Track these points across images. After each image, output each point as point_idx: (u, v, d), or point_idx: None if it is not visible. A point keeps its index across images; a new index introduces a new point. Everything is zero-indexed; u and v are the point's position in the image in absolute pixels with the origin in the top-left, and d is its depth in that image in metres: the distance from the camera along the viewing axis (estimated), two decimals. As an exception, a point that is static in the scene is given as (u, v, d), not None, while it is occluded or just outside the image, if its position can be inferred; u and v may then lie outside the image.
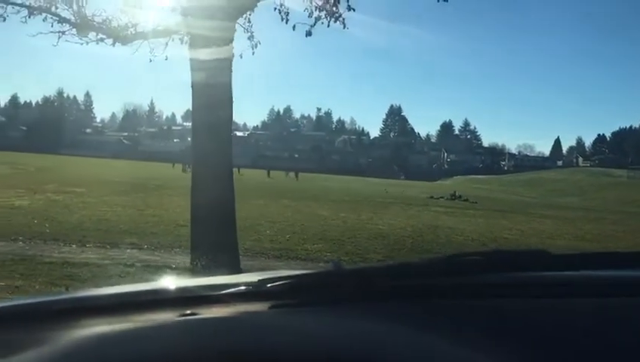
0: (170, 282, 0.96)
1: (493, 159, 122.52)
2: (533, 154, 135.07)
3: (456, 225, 18.18)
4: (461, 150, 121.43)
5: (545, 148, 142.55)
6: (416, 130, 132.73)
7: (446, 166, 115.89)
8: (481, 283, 0.86)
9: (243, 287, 0.86)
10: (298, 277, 0.87)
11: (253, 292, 0.84)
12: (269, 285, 0.84)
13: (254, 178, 40.99)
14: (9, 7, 5.94)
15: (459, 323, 0.73)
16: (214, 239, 5.25)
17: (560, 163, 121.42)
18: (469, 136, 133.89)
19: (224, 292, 0.84)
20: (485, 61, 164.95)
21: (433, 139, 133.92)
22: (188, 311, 0.76)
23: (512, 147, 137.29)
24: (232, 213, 5.42)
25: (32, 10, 5.89)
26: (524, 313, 0.78)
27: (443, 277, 0.86)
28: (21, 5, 5.86)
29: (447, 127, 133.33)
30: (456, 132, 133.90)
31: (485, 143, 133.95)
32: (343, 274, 0.92)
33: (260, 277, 0.89)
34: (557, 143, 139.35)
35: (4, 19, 6.04)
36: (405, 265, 0.91)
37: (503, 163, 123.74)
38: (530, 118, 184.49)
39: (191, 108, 5.59)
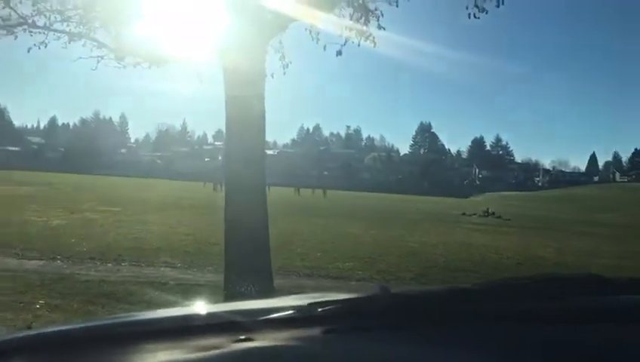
0: (220, 306, 0.97)
1: (526, 175, 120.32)
2: (568, 170, 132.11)
3: (490, 242, 17.85)
4: (493, 166, 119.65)
5: (580, 164, 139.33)
6: (446, 147, 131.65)
7: (478, 182, 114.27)
8: (534, 309, 0.84)
9: (295, 312, 0.86)
10: (348, 301, 0.87)
11: (306, 317, 0.84)
12: (320, 309, 0.84)
13: (283, 195, 41.19)
14: (50, 34, 6.17)
15: (513, 349, 0.72)
16: (247, 257, 5.27)
17: (596, 178, 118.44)
18: (500, 152, 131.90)
19: (276, 316, 0.85)
20: (517, 77, 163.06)
21: (464, 155, 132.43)
22: (243, 337, 0.77)
23: (546, 162, 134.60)
24: (265, 231, 5.45)
25: (72, 36, 6.11)
26: (578, 339, 0.76)
27: (496, 302, 0.85)
28: (62, 32, 6.09)
29: (478, 142, 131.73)
30: (488, 148, 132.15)
31: (518, 159, 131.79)
32: (393, 298, 0.91)
33: (310, 301, 0.88)
34: (593, 158, 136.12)
35: (46, 46, 6.30)
36: (455, 289, 0.89)
37: (537, 179, 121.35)
38: (565, 133, 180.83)
39: (223, 128, 5.68)
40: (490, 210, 36.33)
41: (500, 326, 0.80)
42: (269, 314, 0.86)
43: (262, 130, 5.48)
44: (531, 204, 66.40)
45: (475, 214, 34.15)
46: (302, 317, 0.85)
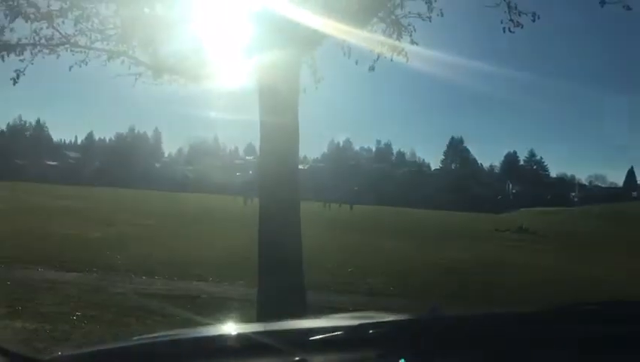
0: (271, 324, 0.97)
1: (561, 190, 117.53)
2: (605, 185, 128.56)
3: (525, 260, 17.47)
4: (527, 181, 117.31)
5: (618, 179, 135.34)
6: (478, 161, 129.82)
7: (511, 198, 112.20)
8: (599, 336, 0.81)
9: (346, 333, 0.85)
10: (400, 323, 0.86)
11: (359, 338, 0.84)
12: (370, 331, 0.83)
13: (313, 210, 41.21)
14: (91, 52, 6.37)
15: None
16: (281, 273, 5.28)
17: (635, 194, 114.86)
18: (535, 167, 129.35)
19: (329, 337, 0.84)
20: (551, 91, 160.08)
21: (497, 170, 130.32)
22: (297, 358, 0.77)
23: (582, 177, 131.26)
24: (298, 247, 5.45)
25: (111, 55, 6.30)
26: None
27: (554, 327, 0.82)
28: (102, 50, 6.28)
29: (511, 157, 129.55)
30: (522, 162, 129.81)
31: (553, 174, 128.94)
32: (447, 320, 0.89)
33: (360, 322, 0.88)
34: (630, 173, 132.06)
35: (86, 64, 6.50)
36: (511, 313, 0.87)
37: (573, 194, 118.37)
38: (602, 148, 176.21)
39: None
40: (524, 226, 35.51)
41: (563, 353, 0.77)
42: (321, 335, 0.86)
43: (295, 145, 5.52)
44: (568, 220, 64.73)
45: (508, 230, 33.41)
46: (355, 339, 0.84)
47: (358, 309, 8.55)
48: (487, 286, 11.58)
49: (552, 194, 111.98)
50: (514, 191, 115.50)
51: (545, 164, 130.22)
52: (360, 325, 0.88)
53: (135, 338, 1.47)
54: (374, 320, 0.88)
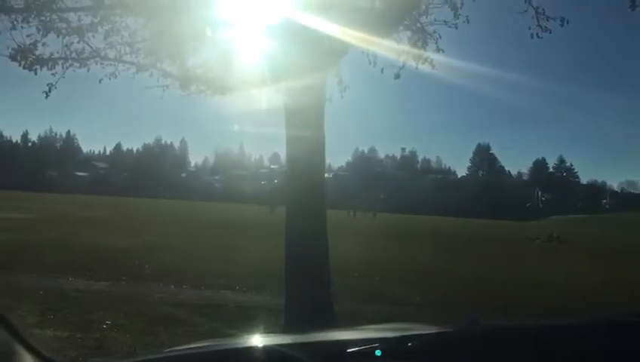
0: (308, 335, 0.95)
1: (592, 197, 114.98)
2: (637, 192, 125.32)
3: (557, 268, 17.09)
4: (557, 188, 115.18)
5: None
6: (506, 168, 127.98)
7: (540, 205, 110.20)
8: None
9: (386, 345, 0.84)
10: (440, 335, 0.84)
11: (399, 351, 0.82)
12: (410, 344, 0.81)
13: (338, 218, 41.13)
14: (120, 65, 6.50)
15: None
16: (308, 282, 5.27)
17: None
18: (564, 174, 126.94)
19: (366, 349, 0.82)
20: (580, 97, 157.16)
21: (525, 177, 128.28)
22: None
23: (614, 184, 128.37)
24: (325, 256, 5.44)
25: (140, 67, 6.41)
26: None
27: (601, 339, 0.79)
28: (131, 63, 6.40)
29: (540, 164, 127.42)
30: (551, 169, 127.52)
31: (583, 180, 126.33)
32: (486, 332, 0.87)
33: (399, 334, 0.86)
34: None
35: (116, 77, 6.64)
36: (555, 324, 0.84)
37: (604, 201, 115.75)
38: (633, 154, 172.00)
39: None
40: (555, 234, 34.75)
41: None
42: (358, 347, 0.84)
43: (322, 154, 5.53)
44: (600, 227, 63.27)
45: (538, 238, 32.74)
46: (395, 352, 0.82)
47: (386, 319, 8.48)
48: (520, 296, 11.33)
49: (583, 202, 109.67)
50: (543, 198, 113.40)
51: (575, 170, 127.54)
52: (400, 337, 0.86)
53: (166, 350, 1.47)
54: (413, 332, 0.85)
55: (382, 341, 0.87)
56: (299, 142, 5.30)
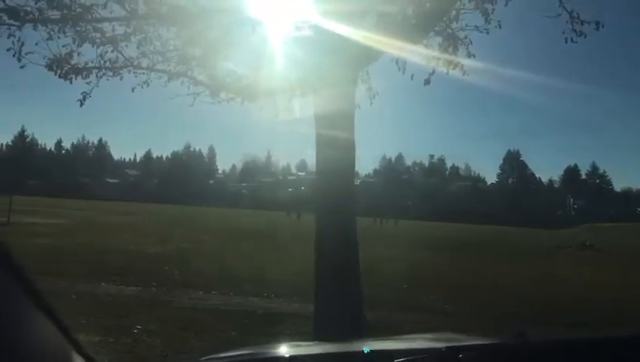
0: (347, 345, 0.94)
1: (627, 205, 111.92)
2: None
3: (591, 278, 16.64)
4: (589, 196, 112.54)
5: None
6: (536, 175, 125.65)
7: (573, 213, 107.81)
8: None
9: (435, 356, 0.81)
10: (489, 347, 0.81)
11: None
12: (460, 355, 0.79)
13: (365, 225, 40.95)
14: (152, 74, 6.61)
15: None
16: (338, 289, 5.24)
17: None
18: (597, 181, 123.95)
19: (415, 359, 0.80)
20: (612, 103, 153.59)
21: (556, 185, 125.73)
22: None
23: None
24: (355, 263, 5.40)
25: (171, 75, 6.51)
26: None
27: None
28: (163, 71, 6.50)
29: (572, 171, 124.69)
30: (583, 176, 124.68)
31: (617, 188, 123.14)
32: (534, 344, 0.84)
33: (446, 345, 0.83)
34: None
35: (148, 85, 6.75)
36: (601, 338, 0.81)
37: (639, 209, 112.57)
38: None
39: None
40: (588, 243, 33.93)
41: None
42: (405, 357, 0.82)
43: (352, 162, 5.51)
44: (634, 236, 61.55)
45: (570, 247, 32.04)
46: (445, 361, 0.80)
47: (418, 328, 8.37)
48: (554, 307, 11.05)
49: (617, 209, 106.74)
50: (575, 206, 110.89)
51: (608, 177, 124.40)
52: (449, 348, 0.83)
53: (203, 359, 1.46)
54: (462, 344, 0.83)
55: (430, 351, 0.85)
56: (329, 149, 5.29)
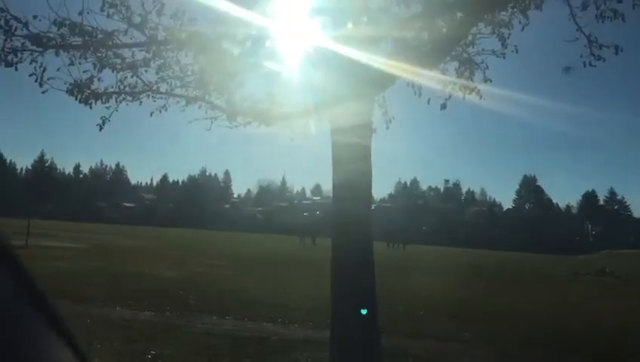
0: None
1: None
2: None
3: (612, 306, 16.26)
4: (608, 222, 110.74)
5: None
6: (553, 201, 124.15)
7: (591, 239, 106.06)
8: None
9: None
10: None
11: None
12: None
13: (378, 250, 40.60)
14: (170, 98, 6.69)
15: None
16: (354, 315, 5.16)
17: None
18: (616, 207, 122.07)
19: None
20: (632, 128, 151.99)
21: (574, 211, 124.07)
22: None
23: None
24: (372, 289, 5.32)
25: (189, 100, 6.58)
26: None
27: None
28: (181, 96, 6.58)
29: (589, 196, 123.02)
30: (601, 202, 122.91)
31: (636, 214, 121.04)
32: None
33: None
34: None
35: (166, 109, 6.82)
36: None
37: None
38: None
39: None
40: (607, 269, 33.27)
41: None
42: None
43: (369, 186, 5.48)
44: (655, 263, 60.23)
45: (589, 274, 31.42)
46: None
47: (436, 356, 8.21)
48: (575, 335, 10.79)
49: (636, 236, 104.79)
50: (594, 232, 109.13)
51: (627, 203, 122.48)
52: None
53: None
54: None
55: None
56: (346, 173, 5.27)
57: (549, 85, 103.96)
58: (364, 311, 5.15)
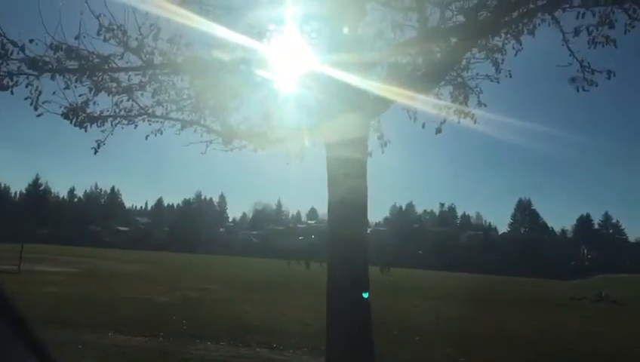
0: None
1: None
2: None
3: (610, 331, 16.12)
4: (603, 246, 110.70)
5: None
6: (549, 225, 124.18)
7: (587, 263, 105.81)
8: None
9: None
10: None
11: None
12: None
13: (374, 274, 40.30)
14: (166, 122, 6.67)
15: None
16: (351, 341, 5.08)
17: None
18: (611, 231, 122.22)
19: None
20: (625, 153, 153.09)
21: (569, 235, 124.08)
22: None
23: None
24: (368, 315, 5.25)
25: (185, 124, 6.58)
26: None
27: None
28: (177, 120, 6.57)
29: (584, 220, 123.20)
30: (596, 226, 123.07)
31: (631, 238, 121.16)
32: None
33: None
34: None
35: (162, 133, 6.80)
36: None
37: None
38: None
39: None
40: (603, 294, 33.11)
41: None
42: None
43: (364, 210, 5.45)
44: (651, 287, 59.99)
45: (585, 298, 31.26)
46: None
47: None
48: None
49: (632, 260, 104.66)
50: (589, 256, 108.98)
51: (622, 227, 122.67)
52: None
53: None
54: None
55: None
56: (341, 197, 5.25)
57: (544, 109, 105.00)
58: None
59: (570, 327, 16.60)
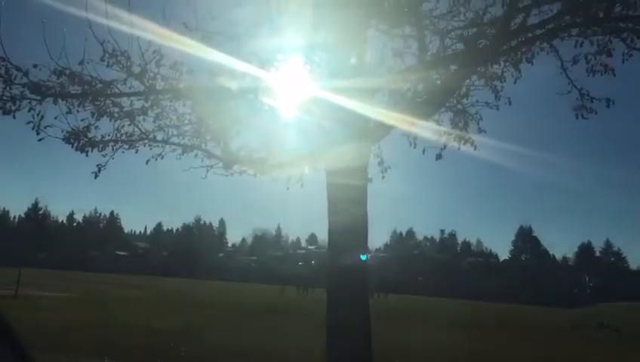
0: None
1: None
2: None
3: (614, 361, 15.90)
4: (604, 274, 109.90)
5: None
6: (550, 252, 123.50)
7: (588, 291, 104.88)
8: None
9: None
10: None
11: None
12: None
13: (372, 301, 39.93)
14: (167, 147, 6.70)
15: None
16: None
17: None
18: (612, 259, 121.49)
19: None
20: (626, 180, 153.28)
21: (571, 262, 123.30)
22: None
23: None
24: (367, 342, 5.19)
25: (185, 148, 6.60)
26: None
27: None
28: (177, 144, 6.60)
29: (586, 248, 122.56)
30: (598, 254, 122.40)
31: (633, 266, 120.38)
32: None
33: None
34: None
35: (162, 158, 6.82)
36: None
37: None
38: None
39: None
40: (605, 322, 32.72)
41: None
42: None
43: (364, 236, 5.43)
44: (654, 316, 59.36)
45: (587, 326, 30.91)
46: None
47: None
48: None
49: (634, 288, 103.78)
50: (591, 284, 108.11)
51: (623, 255, 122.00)
52: None
53: None
54: None
55: None
56: (342, 218, 5.24)
57: (544, 136, 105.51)
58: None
59: (576, 356, 16.36)
